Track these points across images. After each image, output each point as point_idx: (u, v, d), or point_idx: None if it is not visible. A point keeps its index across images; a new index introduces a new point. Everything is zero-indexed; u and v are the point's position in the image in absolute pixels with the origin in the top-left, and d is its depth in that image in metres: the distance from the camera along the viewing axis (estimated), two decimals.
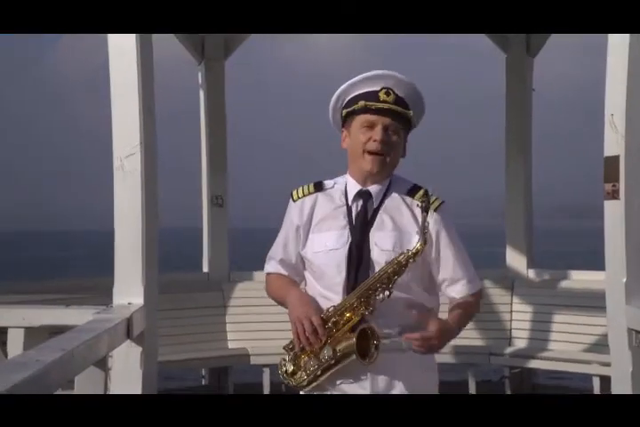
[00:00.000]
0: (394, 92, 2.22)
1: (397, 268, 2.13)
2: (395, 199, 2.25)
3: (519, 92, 5.35)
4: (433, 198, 2.21)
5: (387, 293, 2.13)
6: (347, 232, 2.22)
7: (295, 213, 2.31)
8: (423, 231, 2.12)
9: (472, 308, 2.26)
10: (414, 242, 2.15)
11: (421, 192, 2.21)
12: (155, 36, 3.23)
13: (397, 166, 2.28)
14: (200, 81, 5.42)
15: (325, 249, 2.23)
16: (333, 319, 2.14)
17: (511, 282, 5.29)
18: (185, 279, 5.46)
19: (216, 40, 5.34)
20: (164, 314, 3.78)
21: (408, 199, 2.24)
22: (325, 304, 2.17)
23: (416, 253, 2.12)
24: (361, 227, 2.22)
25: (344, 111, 2.27)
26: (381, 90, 2.21)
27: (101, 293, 3.29)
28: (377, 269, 2.14)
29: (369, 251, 2.19)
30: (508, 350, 4.97)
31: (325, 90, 2.63)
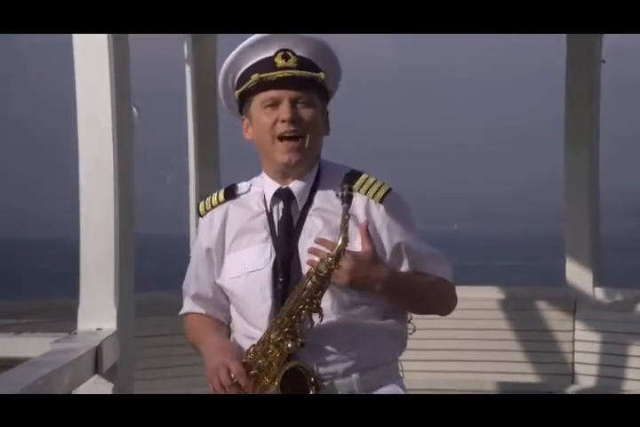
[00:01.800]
0: (294, 54, 2.10)
1: (318, 280, 2.00)
2: (326, 195, 2.14)
3: (584, 65, 5.29)
4: (376, 185, 2.10)
5: (316, 316, 2.01)
6: (269, 246, 2.12)
7: (203, 231, 2.22)
8: (344, 227, 2.01)
9: (442, 284, 2.13)
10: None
11: (362, 179, 2.10)
12: None
13: (323, 148, 2.17)
14: (186, 55, 5.43)
15: (244, 272, 2.12)
16: (260, 362, 2.02)
17: (573, 304, 5.25)
18: (168, 299, 5.45)
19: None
20: (142, 342, 3.78)
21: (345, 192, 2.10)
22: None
23: (337, 257, 2.00)
24: (286, 236, 2.11)
25: (237, 93, 2.17)
26: (277, 54, 2.10)
27: (63, 316, 3.30)
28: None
29: (299, 266, 2.09)
30: (571, 388, 4.94)
31: None
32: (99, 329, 3.08)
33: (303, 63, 2.11)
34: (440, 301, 2.20)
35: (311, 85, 2.11)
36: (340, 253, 2.01)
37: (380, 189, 2.11)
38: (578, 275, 5.35)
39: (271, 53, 2.11)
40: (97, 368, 2.89)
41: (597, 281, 5.34)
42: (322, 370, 2.03)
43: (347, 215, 2.02)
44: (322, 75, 2.13)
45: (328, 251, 2.03)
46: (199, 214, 2.25)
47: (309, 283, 2.02)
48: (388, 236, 2.11)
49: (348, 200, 2.04)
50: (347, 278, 2.02)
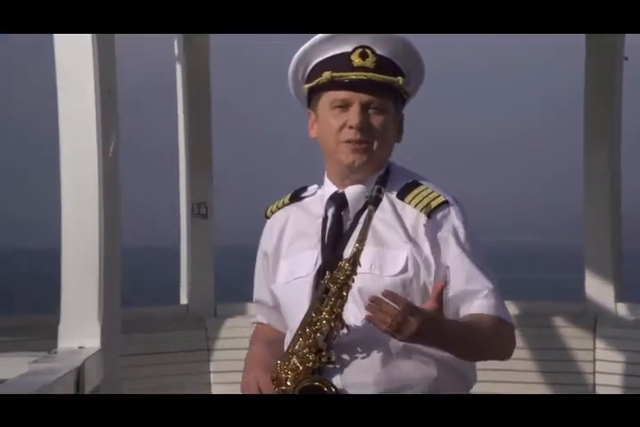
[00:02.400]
0: (373, 52, 2.07)
1: (336, 288, 1.97)
2: (382, 203, 2.10)
3: (603, 62, 5.28)
4: (429, 197, 2.06)
5: (342, 328, 1.97)
6: (317, 253, 2.12)
7: (265, 234, 2.25)
8: (362, 231, 1.97)
9: (500, 330, 2.05)
10: (400, 261, 2.02)
11: (418, 189, 2.05)
12: None
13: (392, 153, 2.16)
14: (177, 52, 5.44)
15: (291, 278, 2.13)
16: (284, 376, 2.01)
17: (593, 320, 5.23)
18: (157, 314, 5.46)
19: None
20: (128, 361, 3.76)
21: (399, 203, 2.11)
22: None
23: (353, 262, 1.97)
24: (334, 244, 2.10)
25: (306, 87, 2.15)
26: (354, 51, 2.06)
27: (42, 334, 3.29)
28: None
29: None
30: None
31: None
32: (81, 347, 3.05)
33: (382, 64, 2.07)
34: (500, 349, 2.13)
35: (386, 90, 2.08)
36: (357, 258, 1.97)
37: (432, 201, 2.07)
38: (598, 289, 5.32)
39: (348, 49, 2.07)
40: (78, 390, 2.88)
41: (619, 296, 5.31)
42: (347, 389, 2.00)
43: (369, 219, 1.99)
44: (400, 79, 2.09)
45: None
46: (265, 216, 2.27)
47: (328, 291, 2.00)
48: (434, 258, 2.06)
49: (374, 203, 2.01)
50: (404, 333, 1.91)
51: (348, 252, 2.06)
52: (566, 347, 5.10)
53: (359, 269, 2.01)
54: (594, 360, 5.11)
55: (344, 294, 1.98)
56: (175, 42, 5.42)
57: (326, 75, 2.06)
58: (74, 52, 3.13)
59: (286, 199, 2.23)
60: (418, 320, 1.89)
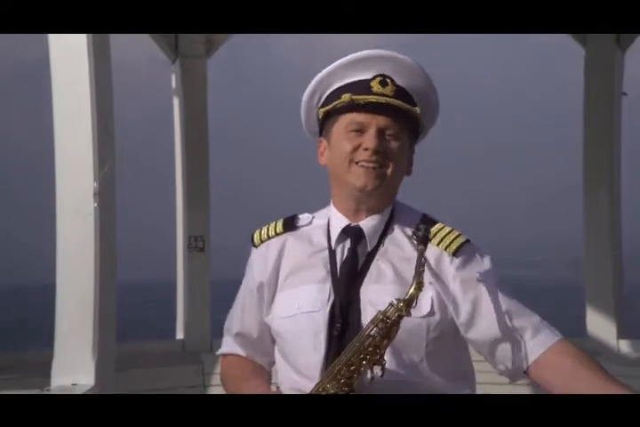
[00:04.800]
0: (392, 82, 2.06)
1: (385, 328, 1.92)
2: (398, 239, 2.09)
3: (603, 98, 5.29)
4: (451, 236, 2.05)
5: (377, 369, 1.93)
6: (328, 287, 2.06)
7: (257, 264, 2.18)
8: (418, 271, 1.92)
9: (585, 356, 2.06)
10: (426, 302, 1.98)
11: (436, 228, 2.03)
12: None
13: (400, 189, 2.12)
14: (174, 85, 5.45)
15: (298, 312, 2.06)
16: None
17: (595, 358, 5.19)
18: (152, 350, 5.42)
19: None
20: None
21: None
22: None
23: (409, 303, 1.92)
24: (348, 279, 2.05)
25: (321, 111, 2.12)
26: (374, 78, 2.06)
27: (35, 371, 3.27)
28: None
29: (359, 313, 2.02)
30: None
31: None
32: (74, 385, 3.04)
33: (400, 93, 2.06)
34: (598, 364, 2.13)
35: (404, 117, 2.06)
36: (413, 298, 1.93)
37: (455, 240, 2.05)
38: (600, 326, 5.31)
39: (369, 76, 2.06)
40: None
41: (621, 333, 5.31)
42: None
43: (423, 258, 1.94)
44: (417, 109, 2.09)
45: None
46: (253, 244, 2.21)
47: (375, 330, 1.93)
48: (463, 291, 2.03)
49: (423, 242, 1.96)
50: None
51: (365, 290, 2.03)
52: None
53: (383, 307, 1.96)
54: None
55: (392, 334, 1.93)
56: (172, 75, 5.44)
57: (345, 97, 2.05)
58: (72, 86, 3.15)
59: (279, 228, 2.18)
60: None
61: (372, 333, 1.93)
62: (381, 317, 1.93)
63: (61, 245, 3.14)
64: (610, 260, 5.36)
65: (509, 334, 2.03)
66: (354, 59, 2.08)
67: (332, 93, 2.10)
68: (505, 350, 2.04)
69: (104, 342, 3.14)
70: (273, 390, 2.09)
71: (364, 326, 1.97)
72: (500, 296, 2.04)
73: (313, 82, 2.12)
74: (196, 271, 5.43)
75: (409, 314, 1.94)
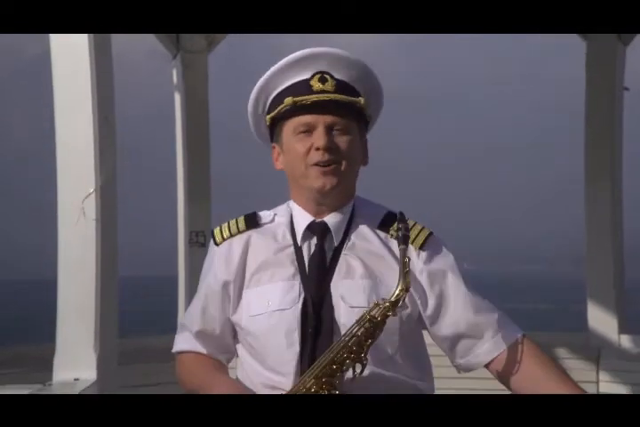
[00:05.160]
0: (331, 77, 2.09)
1: (371, 327, 1.93)
2: (364, 233, 2.11)
3: (605, 92, 5.30)
4: (415, 229, 2.07)
5: (358, 367, 1.94)
6: (298, 284, 2.07)
7: (219, 261, 2.19)
8: (404, 271, 1.94)
9: (543, 355, 2.13)
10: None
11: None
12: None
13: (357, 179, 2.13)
14: (175, 80, 5.46)
15: (268, 310, 2.06)
16: None
17: (597, 353, 5.21)
18: (154, 345, 5.42)
19: None
20: (127, 393, 3.72)
21: (382, 234, 2.11)
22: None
23: (395, 303, 1.94)
24: (318, 275, 2.06)
25: (268, 118, 2.15)
26: (313, 77, 2.08)
27: (36, 366, 3.27)
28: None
29: (332, 309, 2.03)
30: None
31: None
32: (76, 380, 3.04)
33: (341, 87, 2.09)
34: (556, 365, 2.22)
35: (349, 111, 2.09)
36: (400, 299, 1.94)
37: (419, 233, 2.08)
38: (601, 321, 5.32)
39: (307, 76, 2.09)
40: None
41: (623, 328, 5.31)
42: None
43: (406, 258, 1.96)
44: (361, 99, 2.11)
45: None
46: (214, 242, 2.21)
47: (361, 330, 1.95)
48: (430, 284, 2.07)
49: (404, 241, 1.97)
50: None
51: (336, 285, 2.05)
52: None
53: (355, 302, 2.01)
54: (597, 394, 5.08)
55: (377, 333, 1.96)
56: (173, 71, 5.45)
57: (288, 100, 2.08)
58: (72, 79, 3.15)
59: (240, 225, 2.18)
60: None
61: (357, 333, 1.95)
62: (368, 317, 1.95)
63: (63, 241, 3.14)
64: (611, 256, 5.36)
65: (472, 329, 2.07)
66: (289, 61, 2.11)
67: (274, 99, 2.12)
68: (466, 344, 2.09)
69: (106, 337, 3.14)
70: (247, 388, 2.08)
71: (338, 321, 2.00)
72: (465, 291, 2.08)
73: (253, 91, 2.15)
74: (198, 266, 5.40)
75: (395, 314, 1.96)
